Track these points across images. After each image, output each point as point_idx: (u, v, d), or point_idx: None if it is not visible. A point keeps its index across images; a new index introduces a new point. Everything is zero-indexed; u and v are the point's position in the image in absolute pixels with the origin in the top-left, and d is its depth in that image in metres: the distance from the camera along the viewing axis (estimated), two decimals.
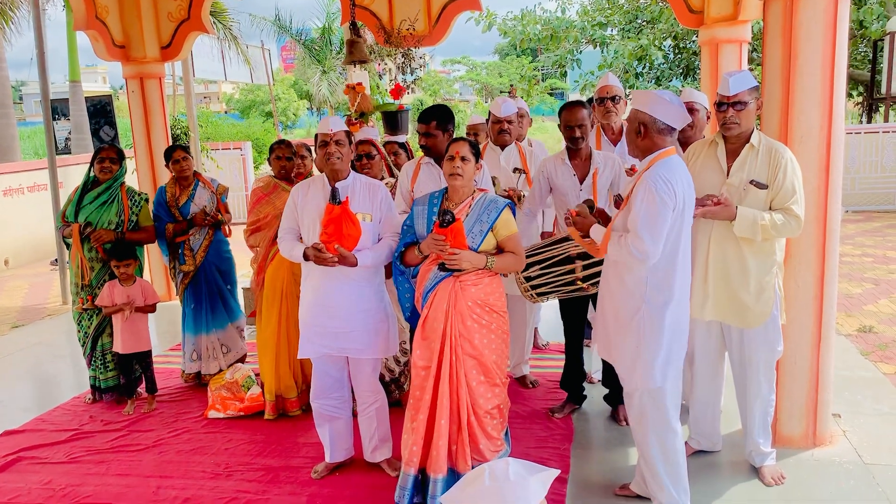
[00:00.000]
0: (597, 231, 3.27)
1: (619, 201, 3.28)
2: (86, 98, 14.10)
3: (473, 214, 3.41)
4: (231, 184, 12.56)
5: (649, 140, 3.14)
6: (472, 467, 3.38)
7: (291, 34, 19.60)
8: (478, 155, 3.47)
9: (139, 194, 5.14)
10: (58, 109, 14.51)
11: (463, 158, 3.38)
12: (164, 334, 6.96)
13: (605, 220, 3.43)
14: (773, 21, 3.74)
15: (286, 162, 4.66)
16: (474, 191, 3.50)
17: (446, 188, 3.52)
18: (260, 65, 19.10)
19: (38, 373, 6.11)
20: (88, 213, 4.91)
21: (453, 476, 3.37)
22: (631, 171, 4.41)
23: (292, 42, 23.05)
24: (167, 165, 5.24)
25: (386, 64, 6.57)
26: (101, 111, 14.29)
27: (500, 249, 3.47)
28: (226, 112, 42.12)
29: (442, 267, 3.38)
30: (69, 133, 14.06)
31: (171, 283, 8.08)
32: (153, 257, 8.03)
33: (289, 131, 39.77)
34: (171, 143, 8.03)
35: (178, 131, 9.46)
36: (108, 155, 4.99)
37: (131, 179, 8.14)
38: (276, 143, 4.76)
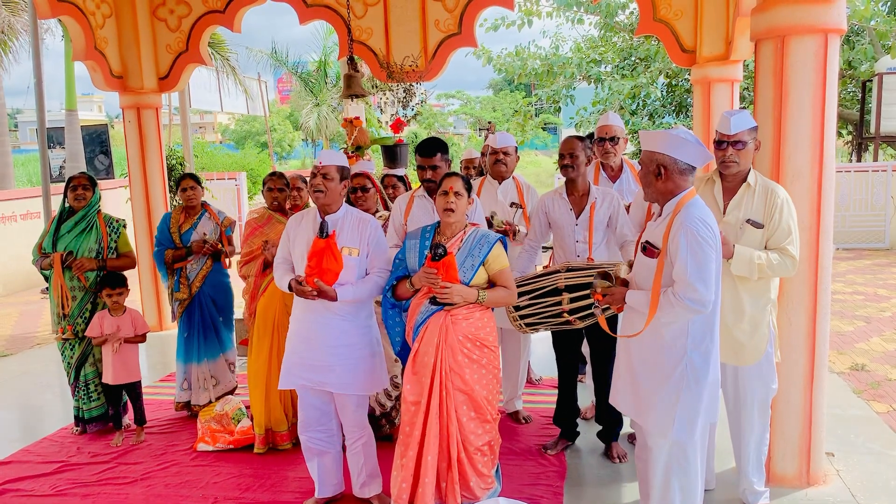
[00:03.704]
0: (637, 298, 3.08)
1: (649, 249, 3.07)
2: (81, 127, 14.14)
3: (465, 249, 3.43)
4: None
5: (671, 182, 3.01)
6: None
7: (287, 67, 19.78)
8: (470, 189, 3.50)
9: (116, 221, 5.14)
10: (53, 138, 14.58)
11: (457, 193, 3.41)
12: (154, 365, 6.90)
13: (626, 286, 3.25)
14: (764, 62, 3.80)
15: (278, 193, 4.68)
16: (466, 225, 3.52)
17: (439, 222, 3.54)
18: (256, 96, 19.24)
19: (25, 403, 6.03)
20: (67, 242, 4.90)
21: None
22: (628, 207, 4.45)
23: (289, 74, 23.26)
24: (175, 193, 5.24)
25: (385, 97, 6.63)
26: (96, 140, 14.35)
27: (491, 284, 3.48)
28: (221, 142, 42.31)
29: (433, 301, 3.38)
30: (64, 161, 14.08)
31: (162, 313, 8.05)
32: (145, 286, 8.02)
33: (284, 162, 39.95)
34: (166, 174, 8.06)
35: (174, 161, 9.48)
36: (81, 182, 5.00)
37: (126, 209, 8.17)
38: (268, 174, 4.79)
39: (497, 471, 3.58)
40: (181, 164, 9.50)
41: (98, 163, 14.36)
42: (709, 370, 3.04)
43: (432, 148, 4.19)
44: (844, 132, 18.17)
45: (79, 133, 13.97)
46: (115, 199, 12.19)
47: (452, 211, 3.41)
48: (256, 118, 36.02)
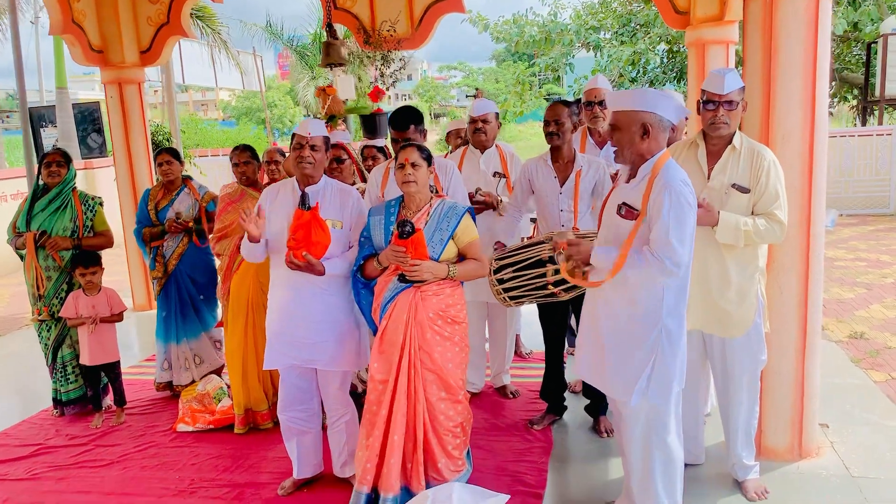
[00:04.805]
0: (604, 255, 2.91)
1: (628, 211, 2.93)
2: (73, 105, 13.97)
3: (433, 222, 3.29)
4: (218, 190, 12.44)
5: (655, 142, 2.88)
6: (429, 486, 3.25)
7: (283, 41, 19.46)
8: (429, 159, 3.34)
9: (93, 198, 5.00)
10: (45, 116, 14.41)
11: (413, 164, 3.26)
12: (144, 345, 6.79)
13: None
14: (752, 19, 3.63)
15: (244, 167, 4.50)
16: (431, 197, 3.37)
17: (402, 196, 3.39)
18: (251, 71, 18.98)
19: (7, 385, 5.94)
20: (41, 220, 4.78)
21: (407, 495, 3.25)
22: (614, 176, 4.29)
23: (289, 49, 22.87)
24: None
25: (377, 69, 6.43)
26: (88, 118, 14.18)
27: (461, 256, 3.34)
28: (223, 119, 42.05)
29: (402, 278, 3.25)
30: (56, 140, 13.90)
31: (150, 292, 7.93)
32: (133, 265, 7.90)
33: (284, 138, 39.66)
34: (151, 150, 7.90)
35: (161, 137, 9.32)
36: (54, 159, 4.86)
37: (111, 187, 8.03)
38: (233, 149, 4.62)
39: (468, 453, 3.47)
40: (168, 140, 9.34)
41: (91, 141, 14.20)
42: (682, 335, 2.96)
43: (405, 120, 4.00)
44: (850, 96, 17.85)
45: (70, 111, 13.79)
46: (108, 178, 12.05)
47: (413, 183, 3.26)
48: (255, 94, 35.72)
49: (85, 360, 4.72)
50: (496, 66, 50.43)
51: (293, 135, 3.52)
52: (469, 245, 3.33)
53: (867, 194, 12.17)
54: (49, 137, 14.16)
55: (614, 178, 4.26)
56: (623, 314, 2.96)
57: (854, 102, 17.81)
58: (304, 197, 3.44)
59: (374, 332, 3.47)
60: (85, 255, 4.72)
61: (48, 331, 4.87)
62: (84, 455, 4.34)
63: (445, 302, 3.27)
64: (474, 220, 3.39)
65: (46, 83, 26.20)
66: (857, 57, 15.94)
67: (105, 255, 4.97)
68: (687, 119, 4.23)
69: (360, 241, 3.46)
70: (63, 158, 4.91)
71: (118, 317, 4.77)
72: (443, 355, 3.25)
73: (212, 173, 13.29)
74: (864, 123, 15.25)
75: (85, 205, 4.92)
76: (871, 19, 13.27)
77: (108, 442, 4.52)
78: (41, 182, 4.89)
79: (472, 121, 4.71)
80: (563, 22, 16.41)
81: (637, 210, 2.89)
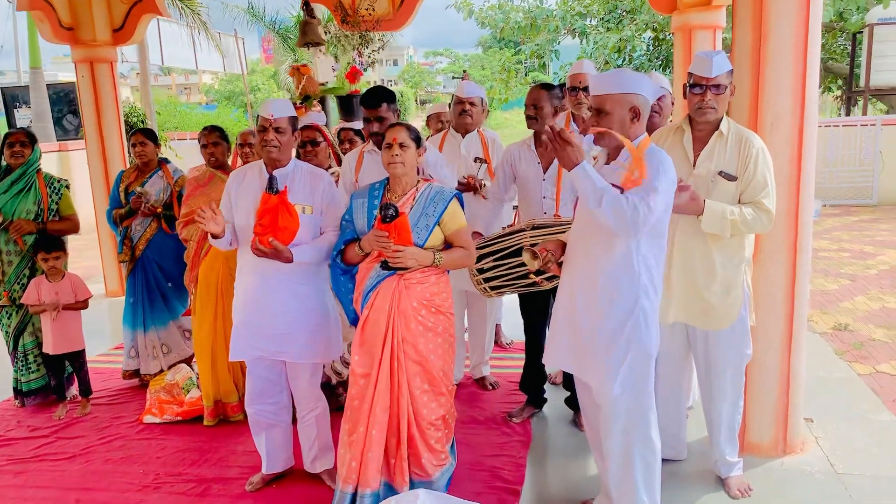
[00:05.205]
0: (594, 172, 2.72)
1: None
2: (48, 86, 13.63)
3: (419, 207, 3.13)
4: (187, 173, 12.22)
5: (641, 125, 2.81)
6: (413, 482, 3.11)
7: (265, 23, 19.11)
8: (419, 140, 3.17)
9: (59, 180, 4.80)
10: (19, 97, 14.08)
11: (402, 145, 3.09)
12: (116, 332, 6.58)
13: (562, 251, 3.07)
14: (742, 1, 3.49)
15: (213, 148, 4.33)
16: (418, 180, 3.21)
17: (388, 178, 3.23)
18: (233, 54, 18.66)
19: None
20: (3, 203, 4.57)
21: (389, 490, 3.10)
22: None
23: (271, 32, 22.49)
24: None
25: (354, 49, 6.25)
26: (63, 99, 13.86)
27: (448, 244, 3.19)
28: (207, 103, 41.51)
29: (385, 265, 3.09)
30: (30, 122, 13.58)
31: (124, 278, 7.72)
32: (106, 251, 7.69)
33: None
34: (124, 132, 7.67)
35: (135, 119, 9.08)
36: (18, 139, 4.66)
37: (86, 169, 7.80)
38: (201, 129, 4.45)
39: (452, 446, 3.34)
40: (142, 123, 9.10)
41: (67, 123, 13.89)
42: (656, 314, 2.87)
43: (377, 98, 3.83)
44: (834, 86, 17.83)
45: (45, 92, 13.46)
46: (83, 160, 11.78)
47: (400, 164, 3.09)
48: (239, 77, 35.28)
49: (48, 348, 4.55)
50: (482, 52, 50.17)
51: (258, 117, 3.35)
52: (456, 232, 3.18)
53: (851, 185, 12.14)
54: (23, 118, 13.84)
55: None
56: (604, 299, 2.83)
57: (839, 93, 17.80)
58: (271, 180, 3.27)
59: (354, 322, 3.31)
60: (47, 239, 4.53)
61: (9, 318, 4.69)
62: (45, 448, 4.17)
63: (430, 290, 3.12)
64: (462, 206, 3.24)
65: (25, 64, 25.70)
66: (842, 47, 15.90)
67: (77, 239, 4.79)
68: (673, 103, 4.12)
69: (341, 224, 3.29)
70: (27, 138, 4.71)
71: (83, 304, 4.59)
72: (426, 346, 3.10)
73: (189, 157, 13.06)
74: (848, 114, 15.23)
75: (50, 187, 4.72)
76: (858, 7, 13.19)
77: (71, 434, 4.35)
78: (4, 163, 4.69)
79: (459, 101, 4.56)
80: (548, 8, 16.23)
81: (621, 188, 2.77)
